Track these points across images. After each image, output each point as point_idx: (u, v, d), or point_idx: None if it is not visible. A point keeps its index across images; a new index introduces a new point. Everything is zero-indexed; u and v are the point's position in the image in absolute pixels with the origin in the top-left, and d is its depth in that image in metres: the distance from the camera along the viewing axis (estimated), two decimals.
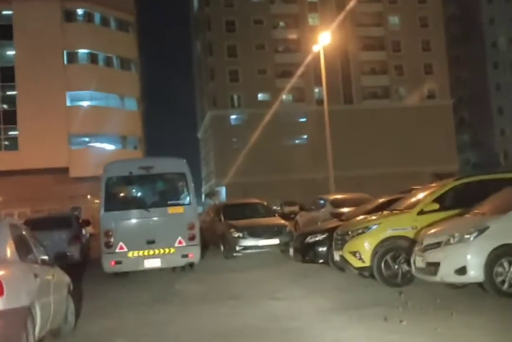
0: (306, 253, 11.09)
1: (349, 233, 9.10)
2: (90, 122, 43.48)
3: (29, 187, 39.98)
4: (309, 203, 19.74)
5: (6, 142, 44.59)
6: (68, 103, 44.65)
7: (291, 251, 11.89)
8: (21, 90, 43.09)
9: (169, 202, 12.03)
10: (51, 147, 41.94)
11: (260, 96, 65.93)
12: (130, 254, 11.34)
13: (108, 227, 11.37)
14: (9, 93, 44.40)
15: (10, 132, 44.76)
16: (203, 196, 71.72)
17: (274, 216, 16.09)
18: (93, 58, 45.14)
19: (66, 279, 6.98)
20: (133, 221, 11.69)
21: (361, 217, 10.17)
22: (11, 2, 43.12)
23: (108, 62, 46.33)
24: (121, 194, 12.50)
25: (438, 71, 67.52)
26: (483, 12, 70.91)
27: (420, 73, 67.04)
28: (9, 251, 5.12)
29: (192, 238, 11.61)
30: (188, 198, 11.86)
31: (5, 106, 44.68)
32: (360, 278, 9.38)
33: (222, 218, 15.48)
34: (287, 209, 40.06)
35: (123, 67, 47.05)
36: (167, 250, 11.47)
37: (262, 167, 58.69)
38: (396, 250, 8.64)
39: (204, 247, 16.86)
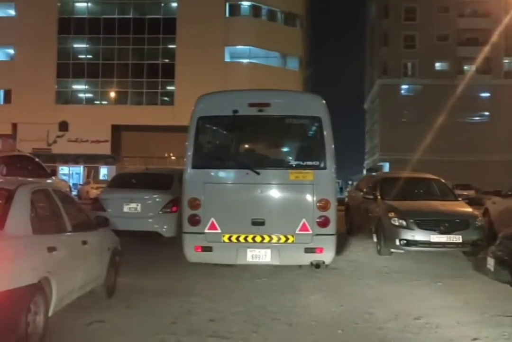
0: None
1: None
2: (247, 80, 40.64)
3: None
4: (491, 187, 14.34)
5: (163, 97, 43.33)
6: (227, 59, 42.04)
7: (491, 262, 6.92)
8: (181, 43, 41.30)
9: (291, 163, 7.47)
10: None
11: (437, 65, 58.96)
12: (225, 238, 7.11)
13: (196, 192, 7.24)
14: (169, 46, 42.88)
15: (168, 87, 43.40)
16: (364, 171, 66.99)
17: (457, 200, 10.96)
18: (256, 11, 41.77)
19: (110, 241, 6.45)
20: (234, 187, 7.35)
21: None
22: None
23: (272, 16, 42.66)
24: (218, 144, 8.23)
25: None
26: None
27: None
28: (20, 224, 4.43)
29: (324, 223, 7.01)
30: (322, 159, 7.17)
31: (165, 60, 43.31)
32: None
33: (379, 196, 10.65)
34: (460, 193, 33.85)
35: (287, 22, 43.10)
36: (282, 238, 7.06)
37: (433, 145, 52.49)
38: None
39: (350, 234, 12.51)
